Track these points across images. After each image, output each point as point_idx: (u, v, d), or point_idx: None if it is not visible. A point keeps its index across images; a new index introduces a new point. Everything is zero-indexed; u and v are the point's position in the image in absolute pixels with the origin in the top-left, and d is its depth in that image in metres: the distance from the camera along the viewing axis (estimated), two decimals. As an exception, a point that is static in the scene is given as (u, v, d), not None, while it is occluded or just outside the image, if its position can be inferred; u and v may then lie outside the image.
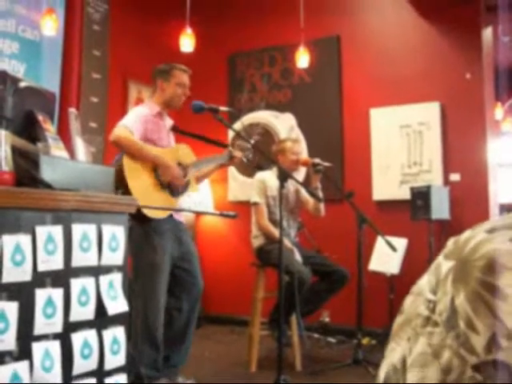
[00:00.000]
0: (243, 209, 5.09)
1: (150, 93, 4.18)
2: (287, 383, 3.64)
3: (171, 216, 3.78)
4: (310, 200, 4.91)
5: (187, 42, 5.48)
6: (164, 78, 3.92)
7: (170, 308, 3.82)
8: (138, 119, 3.71)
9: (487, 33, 5.83)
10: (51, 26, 5.09)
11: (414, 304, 0.58)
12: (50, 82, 5.24)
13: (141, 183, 3.57)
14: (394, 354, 0.58)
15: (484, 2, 5.64)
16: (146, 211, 3.51)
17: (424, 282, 0.59)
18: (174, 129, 4.08)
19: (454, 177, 5.67)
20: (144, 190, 3.56)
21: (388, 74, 5.98)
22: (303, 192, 4.94)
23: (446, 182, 5.67)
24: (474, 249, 0.54)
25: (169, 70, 3.94)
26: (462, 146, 5.63)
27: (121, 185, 3.33)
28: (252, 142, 4.20)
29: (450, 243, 0.59)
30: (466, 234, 0.57)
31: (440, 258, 0.58)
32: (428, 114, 5.76)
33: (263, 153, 3.99)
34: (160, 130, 3.87)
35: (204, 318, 6.47)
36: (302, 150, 4.96)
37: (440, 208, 5.34)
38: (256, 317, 4.68)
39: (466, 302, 0.52)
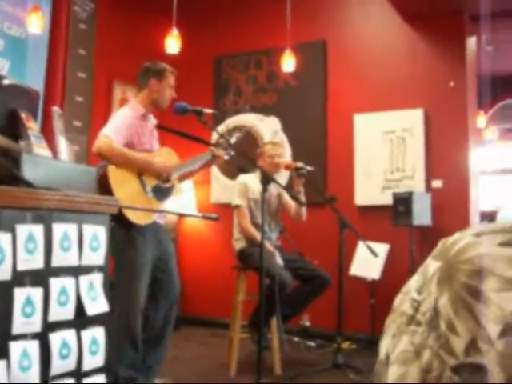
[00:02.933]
0: (225, 211, 5.10)
1: (135, 92, 4.16)
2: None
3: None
4: (293, 204, 4.92)
5: (173, 44, 5.48)
6: (157, 78, 3.88)
7: (147, 309, 3.80)
8: (119, 125, 3.67)
9: (471, 42, 5.89)
10: (37, 24, 5.06)
11: (401, 302, 0.59)
12: (35, 80, 5.21)
13: (126, 190, 3.56)
14: (380, 351, 0.59)
15: (468, 12, 5.69)
16: (131, 217, 3.50)
17: (412, 281, 0.60)
18: (159, 127, 4.07)
19: (436, 183, 5.71)
20: (130, 197, 3.55)
21: (373, 79, 6.02)
22: (286, 196, 4.95)
23: (428, 188, 5.70)
24: (461, 251, 0.55)
25: (163, 70, 3.90)
26: (444, 153, 5.68)
27: (106, 194, 3.32)
28: (233, 139, 4.20)
29: (440, 244, 0.59)
30: (455, 236, 0.58)
31: (429, 259, 0.59)
32: (411, 120, 5.79)
33: (245, 155, 3.99)
34: (143, 134, 3.84)
35: (184, 319, 6.45)
36: (282, 153, 4.95)
37: (421, 214, 5.37)
38: (236, 319, 4.68)
39: (449, 304, 0.52)
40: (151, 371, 3.85)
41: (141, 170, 3.69)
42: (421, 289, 0.56)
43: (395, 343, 0.56)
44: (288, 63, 5.84)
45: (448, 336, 0.50)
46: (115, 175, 3.52)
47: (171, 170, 3.82)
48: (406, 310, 0.57)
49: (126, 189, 3.56)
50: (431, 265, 0.57)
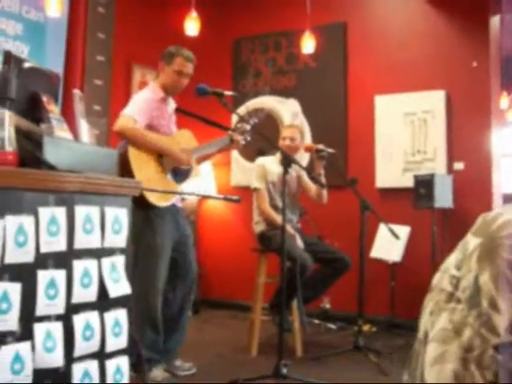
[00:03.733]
0: (246, 194, 5.09)
1: (155, 75, 4.14)
2: (287, 368, 3.65)
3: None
4: (313, 186, 4.90)
5: (192, 26, 5.46)
6: (166, 61, 3.85)
7: (165, 291, 3.81)
8: (141, 106, 3.66)
9: (495, 21, 5.79)
10: (56, 8, 5.05)
11: (440, 280, 0.57)
12: (54, 64, 5.21)
13: (146, 172, 3.56)
14: (419, 329, 0.57)
15: (492, -10, 5.60)
16: (151, 199, 3.50)
17: (451, 258, 0.58)
18: (179, 110, 4.05)
19: (458, 166, 5.65)
20: (149, 179, 3.55)
21: (394, 61, 5.95)
22: (305, 178, 4.94)
23: (450, 170, 5.65)
24: (502, 227, 0.53)
25: (171, 54, 3.84)
26: (466, 134, 5.61)
27: (126, 174, 3.32)
28: (251, 123, 4.17)
29: (479, 219, 0.58)
30: (495, 211, 0.56)
31: (468, 235, 0.57)
32: (433, 102, 5.73)
33: (265, 137, 3.97)
34: (163, 116, 3.83)
35: (205, 302, 6.49)
36: (297, 136, 4.90)
37: (443, 196, 5.32)
38: (257, 302, 4.69)
39: (491, 280, 0.51)
40: (171, 353, 3.88)
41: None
42: (460, 265, 0.55)
43: (434, 321, 0.55)
44: (308, 45, 5.80)
45: (490, 314, 0.49)
46: (135, 156, 3.52)
47: (190, 160, 3.80)
48: (445, 286, 0.55)
49: (145, 170, 3.56)
50: (471, 241, 0.56)
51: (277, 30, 6.64)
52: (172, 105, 3.97)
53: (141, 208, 3.54)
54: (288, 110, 6.51)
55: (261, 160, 4.91)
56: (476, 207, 5.40)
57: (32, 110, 2.16)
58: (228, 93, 3.87)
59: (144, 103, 3.69)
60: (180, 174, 3.79)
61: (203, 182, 6.39)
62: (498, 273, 0.50)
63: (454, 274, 0.55)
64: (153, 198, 3.53)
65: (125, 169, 3.39)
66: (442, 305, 0.55)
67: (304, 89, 6.47)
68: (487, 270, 0.50)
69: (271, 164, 4.79)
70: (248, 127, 4.18)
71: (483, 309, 0.50)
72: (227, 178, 6.79)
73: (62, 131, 2.15)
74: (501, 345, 0.49)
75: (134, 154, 3.51)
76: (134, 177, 3.41)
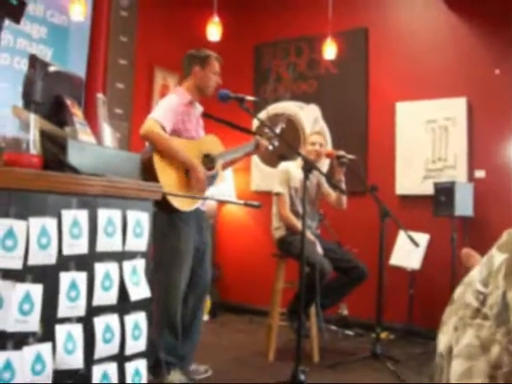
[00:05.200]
0: (266, 198, 5.08)
1: (178, 79, 4.17)
2: (305, 374, 3.64)
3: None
4: (332, 192, 4.90)
5: (214, 31, 5.47)
6: (201, 64, 3.90)
7: None
8: (169, 111, 3.67)
9: (518, 28, 5.74)
10: (79, 12, 5.10)
11: (463, 294, 0.57)
12: (77, 67, 5.26)
13: (170, 177, 3.57)
14: (440, 343, 0.57)
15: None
16: (175, 204, 3.51)
17: (475, 273, 0.57)
18: (205, 115, 4.08)
19: (479, 173, 5.61)
20: (174, 184, 3.57)
21: (415, 67, 5.93)
22: (325, 184, 4.94)
23: (471, 178, 5.61)
24: None
25: (206, 57, 3.92)
26: (487, 142, 5.57)
27: (151, 179, 3.33)
28: (278, 130, 4.20)
29: (505, 235, 0.57)
30: None
31: (493, 250, 0.57)
32: (454, 109, 5.70)
33: (288, 143, 3.97)
34: (190, 120, 3.85)
35: (222, 306, 6.50)
36: (324, 141, 4.93)
37: (463, 204, 5.29)
38: (275, 307, 4.68)
39: None
40: (186, 359, 3.88)
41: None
42: (486, 281, 0.54)
43: (459, 336, 0.54)
44: (329, 51, 5.80)
45: None
46: (161, 160, 3.53)
47: (204, 184, 3.76)
48: (471, 302, 0.55)
49: (170, 175, 3.57)
50: (496, 256, 0.55)
51: (298, 36, 6.65)
52: (199, 109, 3.99)
53: (165, 212, 3.55)
54: (308, 116, 6.51)
55: (284, 165, 4.91)
56: (497, 215, 5.37)
57: (56, 113, 2.18)
58: (249, 98, 3.89)
59: (170, 108, 3.71)
60: (206, 179, 3.79)
61: (223, 186, 6.40)
62: None
63: (481, 289, 0.54)
64: (177, 203, 3.54)
65: (149, 173, 3.40)
66: (467, 320, 0.54)
67: (325, 94, 6.47)
68: None
69: (294, 169, 4.80)
70: (276, 132, 4.20)
71: (511, 326, 0.49)
72: (247, 183, 6.80)
73: (85, 135, 2.17)
74: None
75: (158, 159, 3.52)
76: (158, 181, 3.42)
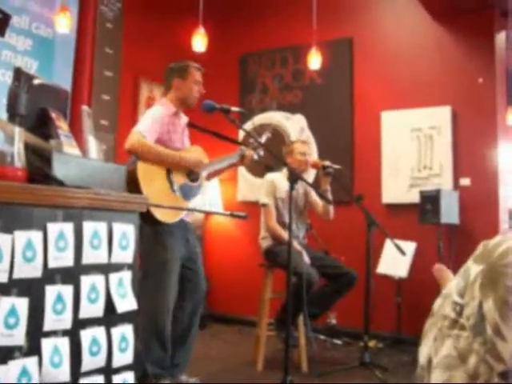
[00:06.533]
0: (252, 209, 5.09)
1: (162, 92, 4.18)
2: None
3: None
4: (320, 202, 4.91)
5: (199, 42, 5.49)
6: (180, 76, 3.90)
7: (173, 308, 3.81)
8: (154, 123, 3.67)
9: (500, 37, 5.81)
10: (65, 24, 5.11)
11: (442, 306, 0.58)
12: (62, 79, 5.26)
13: (154, 188, 3.57)
14: (421, 355, 0.57)
15: (498, 7, 5.62)
16: (158, 216, 3.51)
17: (453, 284, 0.58)
18: (190, 125, 4.07)
19: (464, 181, 5.65)
20: (158, 196, 3.56)
21: (400, 77, 5.97)
22: (313, 194, 4.94)
23: (456, 186, 5.65)
24: (504, 254, 0.53)
25: (185, 68, 3.92)
26: (472, 150, 5.62)
27: (135, 191, 3.32)
28: (263, 139, 4.21)
29: (480, 246, 0.58)
30: (496, 238, 0.57)
31: (469, 261, 0.58)
32: (439, 118, 5.74)
33: (273, 153, 3.98)
34: (175, 131, 3.86)
35: (211, 317, 6.48)
36: (312, 151, 4.95)
37: (449, 212, 5.32)
38: (263, 317, 4.68)
39: (495, 308, 0.51)
40: (177, 369, 3.87)
41: (172, 166, 3.69)
42: (463, 292, 0.55)
43: (437, 347, 0.55)
44: (314, 61, 5.82)
45: (495, 341, 0.49)
46: (144, 172, 3.53)
47: (203, 165, 3.84)
48: (448, 313, 0.56)
49: (153, 186, 3.57)
50: (472, 268, 0.56)
51: (283, 46, 6.68)
52: (184, 119, 3.99)
53: (150, 224, 3.55)
54: (294, 126, 6.53)
55: (270, 176, 4.91)
56: (482, 223, 5.40)
57: (41, 126, 2.18)
58: (235, 109, 3.89)
59: (155, 119, 3.71)
60: (189, 190, 3.80)
61: (210, 196, 6.41)
62: (501, 300, 0.50)
63: (457, 300, 0.55)
64: (160, 215, 3.53)
65: (133, 185, 3.40)
66: (445, 331, 0.55)
67: (310, 104, 6.50)
68: (491, 297, 0.51)
69: (280, 180, 4.80)
70: (261, 140, 4.21)
71: (488, 336, 0.50)
72: (233, 193, 6.81)
73: (70, 147, 2.17)
74: (506, 372, 0.49)
75: (142, 171, 3.52)
76: (142, 193, 3.42)
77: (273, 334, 4.76)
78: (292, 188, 3.74)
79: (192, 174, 3.86)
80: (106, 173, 2.29)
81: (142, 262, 3.64)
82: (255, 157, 4.19)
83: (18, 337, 1.78)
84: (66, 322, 1.94)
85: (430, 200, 5.29)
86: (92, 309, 2.04)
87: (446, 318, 0.56)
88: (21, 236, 1.80)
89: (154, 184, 3.58)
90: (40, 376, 1.83)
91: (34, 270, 1.84)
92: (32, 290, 1.83)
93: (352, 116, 6.24)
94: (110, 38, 5.93)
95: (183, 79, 3.90)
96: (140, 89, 6.31)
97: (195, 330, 3.97)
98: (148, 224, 3.54)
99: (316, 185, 5.11)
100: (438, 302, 0.60)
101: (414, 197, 5.59)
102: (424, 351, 0.58)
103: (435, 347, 0.56)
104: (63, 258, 1.94)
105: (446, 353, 0.54)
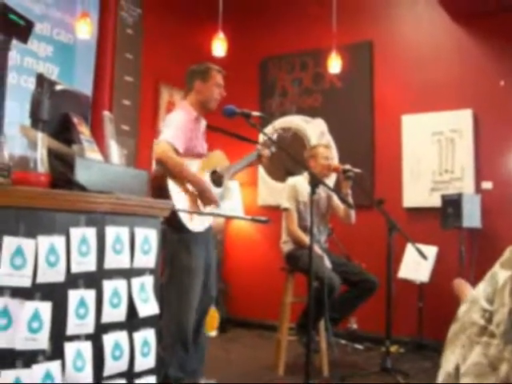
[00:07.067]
0: (273, 213, 5.09)
1: (182, 95, 4.17)
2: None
3: None
4: (341, 206, 4.88)
5: (219, 46, 5.49)
6: (202, 78, 3.86)
7: None
8: (179, 130, 3.64)
9: (522, 39, 5.76)
10: (85, 30, 5.16)
11: (468, 312, 0.57)
12: (83, 85, 5.30)
13: (182, 195, 3.57)
14: (448, 362, 0.56)
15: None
16: (189, 226, 3.53)
17: (479, 291, 0.57)
18: (209, 127, 4.06)
19: (486, 185, 5.60)
20: (185, 202, 3.57)
21: (420, 80, 5.94)
22: (335, 198, 4.92)
23: (478, 190, 5.60)
24: None
25: (207, 70, 3.88)
26: (494, 153, 5.57)
27: (162, 196, 3.32)
28: (275, 136, 4.20)
29: (507, 252, 0.57)
30: None
31: (496, 267, 0.57)
32: (460, 121, 5.70)
33: (294, 158, 3.98)
34: (196, 137, 3.84)
35: (231, 321, 6.48)
36: (333, 155, 4.93)
37: (471, 216, 5.27)
38: (284, 321, 4.67)
39: None
40: (195, 373, 3.86)
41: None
42: (491, 298, 0.54)
43: (466, 354, 0.54)
44: (334, 64, 5.80)
45: None
46: (173, 182, 3.53)
47: (217, 203, 3.80)
48: (477, 320, 0.55)
49: (182, 193, 3.57)
50: (500, 273, 0.55)
51: (303, 50, 6.67)
52: (203, 122, 3.98)
53: (175, 230, 3.55)
54: (314, 130, 6.52)
55: (292, 180, 4.90)
56: (505, 227, 5.35)
57: (63, 131, 2.20)
58: (255, 113, 3.89)
59: (180, 127, 3.67)
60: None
61: (231, 201, 6.41)
62: None
63: (486, 307, 0.54)
64: (191, 225, 3.55)
65: (161, 192, 3.40)
66: (474, 338, 0.54)
67: (330, 108, 6.48)
68: None
69: (302, 184, 4.78)
70: (273, 137, 4.21)
71: None
72: (254, 198, 6.80)
73: (92, 152, 2.18)
74: None
75: (172, 180, 3.53)
76: (170, 199, 3.41)
77: (294, 338, 4.74)
78: (313, 192, 3.73)
79: (215, 177, 3.86)
80: (128, 178, 2.30)
81: (166, 266, 3.65)
82: (268, 153, 4.18)
83: (42, 341, 1.79)
84: (89, 326, 1.96)
85: (452, 204, 5.25)
86: (114, 313, 2.05)
87: (475, 325, 0.55)
88: (44, 241, 1.82)
89: (182, 191, 3.58)
90: (63, 380, 1.84)
91: (57, 275, 1.85)
92: (55, 294, 1.85)
93: (372, 120, 6.22)
94: (131, 43, 5.97)
95: (204, 81, 3.88)
96: (160, 94, 6.34)
97: (204, 334, 3.95)
98: (173, 229, 3.54)
99: (337, 189, 5.09)
100: (463, 308, 0.59)
101: (435, 201, 5.55)
102: (451, 358, 0.57)
103: (463, 354, 0.55)
104: (86, 263, 1.95)
105: (476, 360, 0.53)
